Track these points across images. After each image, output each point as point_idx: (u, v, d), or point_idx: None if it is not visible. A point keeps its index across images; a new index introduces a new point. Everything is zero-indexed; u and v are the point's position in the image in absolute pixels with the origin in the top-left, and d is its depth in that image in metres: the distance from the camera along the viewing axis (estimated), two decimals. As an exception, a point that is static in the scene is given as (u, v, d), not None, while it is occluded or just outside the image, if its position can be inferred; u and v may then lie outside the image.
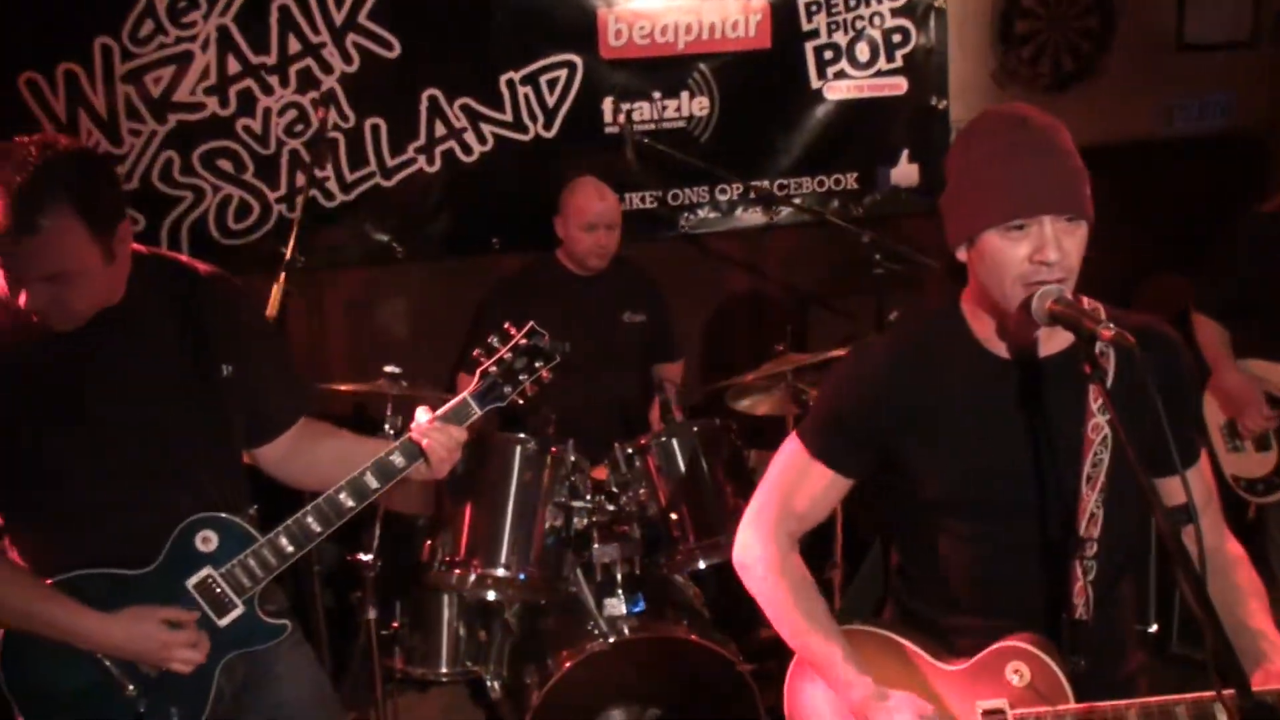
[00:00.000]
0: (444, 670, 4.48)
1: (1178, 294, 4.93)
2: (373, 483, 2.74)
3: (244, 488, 2.90)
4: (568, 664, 3.85)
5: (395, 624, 4.42)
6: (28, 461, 2.58)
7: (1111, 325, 2.03)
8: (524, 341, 2.85)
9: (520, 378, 2.85)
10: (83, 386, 2.60)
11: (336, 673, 4.67)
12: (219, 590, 2.69)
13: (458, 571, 4.02)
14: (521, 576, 3.97)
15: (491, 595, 4.21)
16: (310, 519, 2.72)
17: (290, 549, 2.72)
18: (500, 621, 4.45)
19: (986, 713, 2.40)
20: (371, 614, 4.17)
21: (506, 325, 2.89)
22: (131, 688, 2.65)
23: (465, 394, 2.83)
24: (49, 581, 2.60)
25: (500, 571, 3.94)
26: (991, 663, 2.41)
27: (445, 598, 4.45)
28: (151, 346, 2.69)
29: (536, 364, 2.85)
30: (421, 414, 2.80)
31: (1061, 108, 5.56)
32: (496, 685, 4.30)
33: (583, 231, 4.96)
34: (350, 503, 2.73)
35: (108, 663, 2.64)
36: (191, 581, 2.68)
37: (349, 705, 4.70)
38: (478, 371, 2.84)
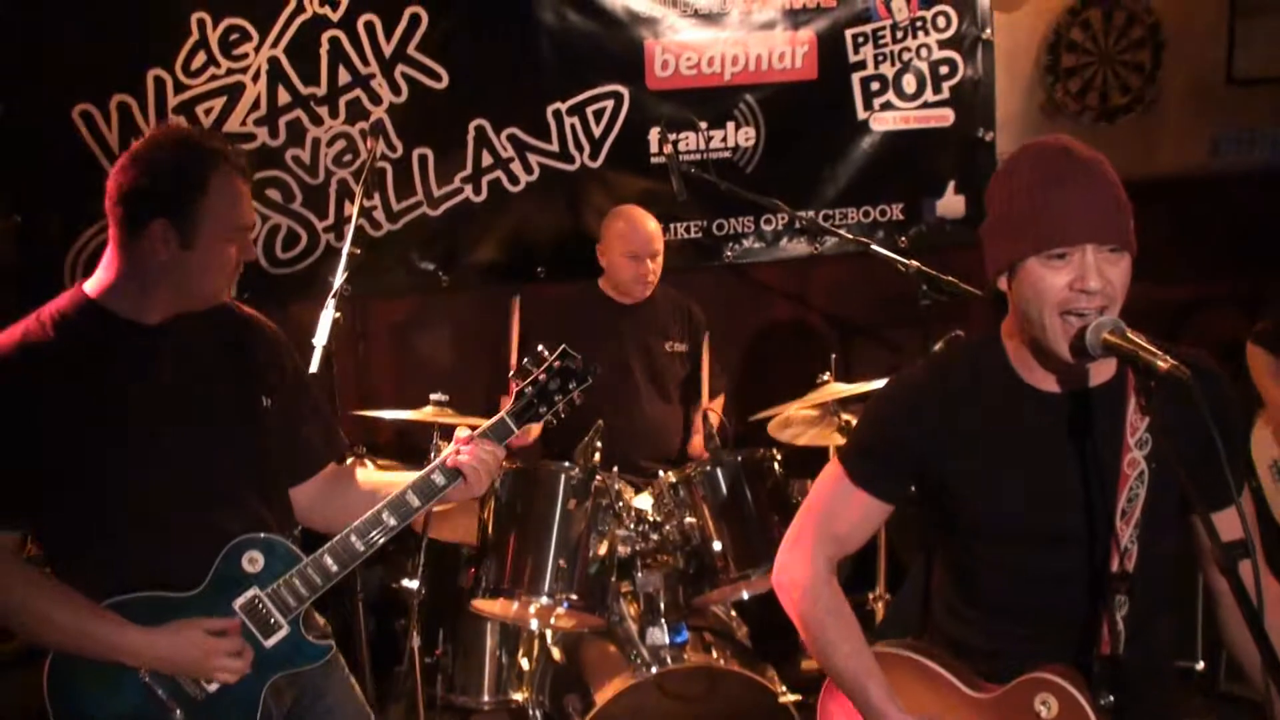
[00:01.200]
0: (486, 699, 4.48)
1: (1226, 327, 4.89)
2: (414, 501, 2.80)
3: (289, 510, 2.95)
4: (610, 694, 3.84)
5: (438, 651, 4.43)
6: (87, 473, 2.61)
7: (1168, 358, 2.03)
8: (557, 363, 2.94)
9: (555, 398, 2.94)
10: (143, 402, 2.65)
11: (380, 700, 4.68)
12: (265, 610, 2.72)
13: (501, 600, 4.02)
14: (565, 605, 3.96)
15: (534, 624, 4.22)
16: (354, 538, 2.77)
17: (335, 568, 2.75)
18: (543, 650, 4.44)
19: None
20: (415, 641, 4.17)
21: (540, 348, 2.97)
22: (179, 712, 2.66)
23: (502, 413, 2.90)
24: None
25: (543, 600, 3.93)
26: (1020, 693, 2.41)
27: (488, 626, 4.45)
28: (200, 370, 2.76)
29: (570, 385, 2.94)
30: (461, 432, 2.86)
31: (1109, 140, 5.57)
32: (538, 714, 4.29)
33: (626, 259, 4.97)
34: (393, 521, 2.78)
35: (153, 686, 2.64)
36: (238, 603, 2.71)
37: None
38: (513, 392, 2.93)
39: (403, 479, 2.91)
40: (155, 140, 2.67)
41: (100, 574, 2.63)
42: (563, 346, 2.97)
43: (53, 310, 2.67)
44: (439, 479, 2.82)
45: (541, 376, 2.93)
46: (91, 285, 2.71)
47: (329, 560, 2.75)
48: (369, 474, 3.11)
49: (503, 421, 2.89)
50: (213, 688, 2.68)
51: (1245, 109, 6.18)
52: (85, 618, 2.59)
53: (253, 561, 2.72)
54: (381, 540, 2.80)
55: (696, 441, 5.06)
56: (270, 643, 2.73)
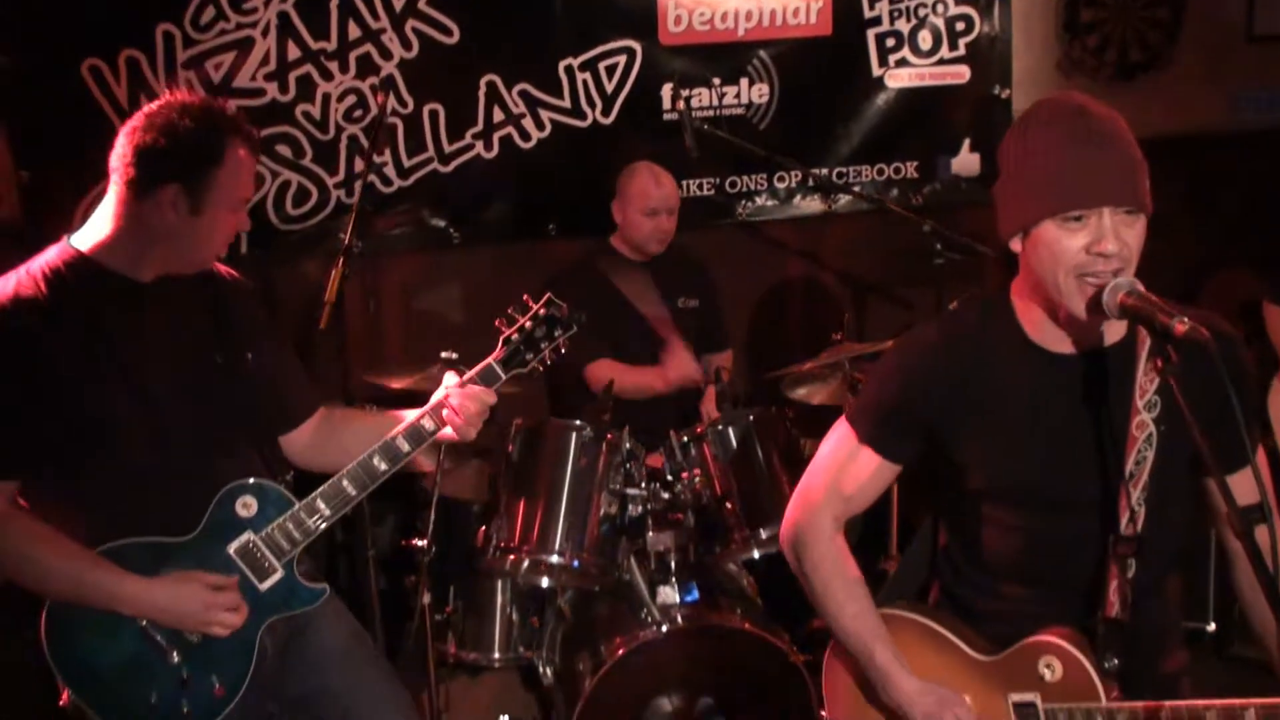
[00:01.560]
0: (496, 656, 4.49)
1: (1243, 287, 4.85)
2: (404, 446, 2.88)
3: (279, 457, 3.04)
4: (620, 651, 3.84)
5: (449, 609, 4.43)
6: (87, 421, 2.64)
7: (1185, 319, 2.00)
8: (543, 311, 3.00)
9: (541, 345, 3.00)
10: (138, 355, 2.70)
11: (390, 656, 4.69)
12: (259, 554, 2.79)
13: (511, 557, 4.02)
14: (575, 563, 3.96)
15: (545, 582, 4.22)
16: (345, 483, 2.84)
17: (327, 511, 2.83)
18: (553, 608, 4.45)
19: (1017, 705, 2.40)
20: (425, 599, 4.18)
21: (525, 296, 3.03)
22: (175, 655, 2.71)
23: (490, 360, 2.97)
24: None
25: (554, 558, 3.94)
26: (1025, 656, 2.41)
27: (499, 583, 4.45)
28: (188, 325, 2.83)
29: (556, 332, 3.00)
30: (450, 378, 2.94)
31: (1127, 98, 5.51)
32: (548, 671, 4.30)
33: (643, 216, 4.95)
34: (383, 465, 2.86)
35: (151, 631, 2.69)
36: (233, 547, 2.77)
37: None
38: (501, 339, 2.99)
39: (388, 419, 2.99)
40: (175, 106, 2.69)
41: (94, 522, 2.68)
42: (548, 294, 3.02)
43: (42, 264, 2.70)
44: (428, 424, 2.90)
45: (528, 324, 2.99)
46: (82, 241, 2.74)
47: (321, 504, 2.82)
48: (364, 415, 3.17)
49: (490, 368, 2.96)
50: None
51: (1265, 67, 6.12)
52: (84, 567, 2.64)
53: (246, 506, 2.79)
54: (373, 486, 2.86)
55: (709, 400, 5.03)
56: (265, 586, 2.79)
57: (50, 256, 2.72)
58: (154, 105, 2.70)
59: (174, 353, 2.77)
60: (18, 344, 2.60)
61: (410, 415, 2.94)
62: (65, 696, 2.70)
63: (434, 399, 2.93)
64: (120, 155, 2.69)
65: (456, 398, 2.89)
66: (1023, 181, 2.27)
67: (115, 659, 2.68)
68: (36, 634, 2.68)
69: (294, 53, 5.17)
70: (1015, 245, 2.33)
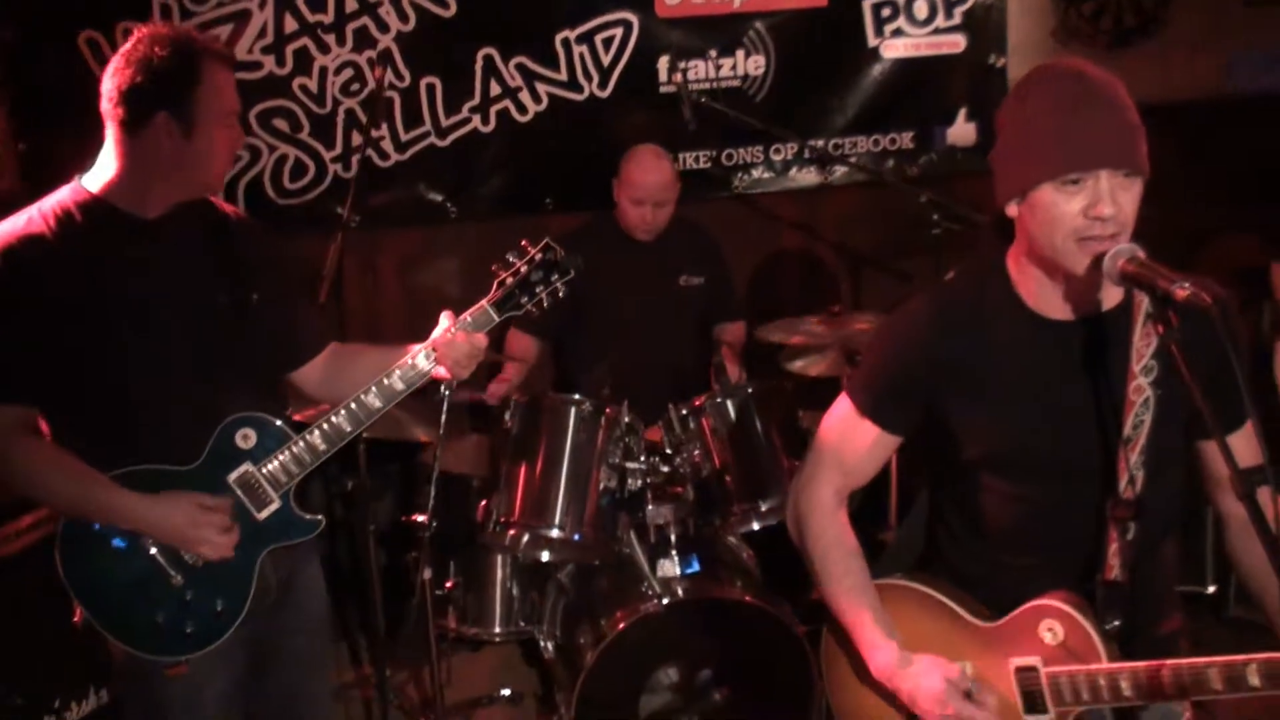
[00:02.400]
0: (497, 630, 4.50)
1: (1241, 252, 4.85)
2: (399, 385, 2.94)
3: (282, 394, 3.13)
4: (621, 625, 3.86)
5: (449, 584, 4.44)
6: (95, 355, 2.74)
7: (1186, 284, 2.00)
8: (539, 255, 3.04)
9: (536, 289, 3.04)
10: (146, 290, 2.80)
11: (391, 632, 4.71)
12: (257, 485, 2.88)
13: (512, 532, 4.03)
14: (575, 537, 3.97)
15: (545, 556, 4.23)
16: (342, 418, 2.91)
17: (323, 446, 2.91)
18: (554, 582, 4.47)
19: (1019, 670, 2.41)
20: (426, 574, 4.18)
21: (523, 242, 3.07)
22: (178, 577, 2.81)
23: (484, 302, 3.00)
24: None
25: (554, 532, 3.94)
26: (1025, 620, 2.42)
27: (499, 558, 4.46)
28: (195, 262, 2.91)
29: (553, 276, 3.05)
30: (444, 319, 3.00)
31: (1123, 65, 5.47)
32: (549, 646, 4.32)
33: (630, 204, 4.93)
34: (378, 403, 2.92)
35: (158, 555, 2.80)
36: (232, 476, 2.86)
37: (402, 664, 4.75)
38: (495, 282, 3.02)
39: (393, 352, 3.03)
40: (145, 39, 2.77)
41: (101, 450, 2.77)
42: (546, 239, 3.07)
43: (53, 203, 2.79)
44: (423, 363, 2.94)
45: (523, 268, 3.03)
46: (91, 181, 2.83)
47: (318, 438, 2.90)
48: (371, 349, 3.18)
49: (484, 311, 3.00)
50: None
51: (1261, 31, 6.09)
52: (84, 483, 2.74)
53: (246, 438, 2.87)
54: (369, 422, 2.93)
55: (711, 369, 5.02)
56: (263, 515, 2.88)
57: (62, 195, 2.82)
58: (127, 44, 2.79)
59: (179, 288, 2.85)
60: (26, 276, 2.69)
61: (405, 352, 2.99)
62: (78, 614, 2.82)
63: (431, 338, 2.98)
64: (108, 97, 2.78)
65: (455, 341, 2.95)
66: (1020, 146, 2.27)
67: (124, 579, 2.79)
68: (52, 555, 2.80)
69: (291, 25, 5.16)
70: (1012, 210, 2.32)
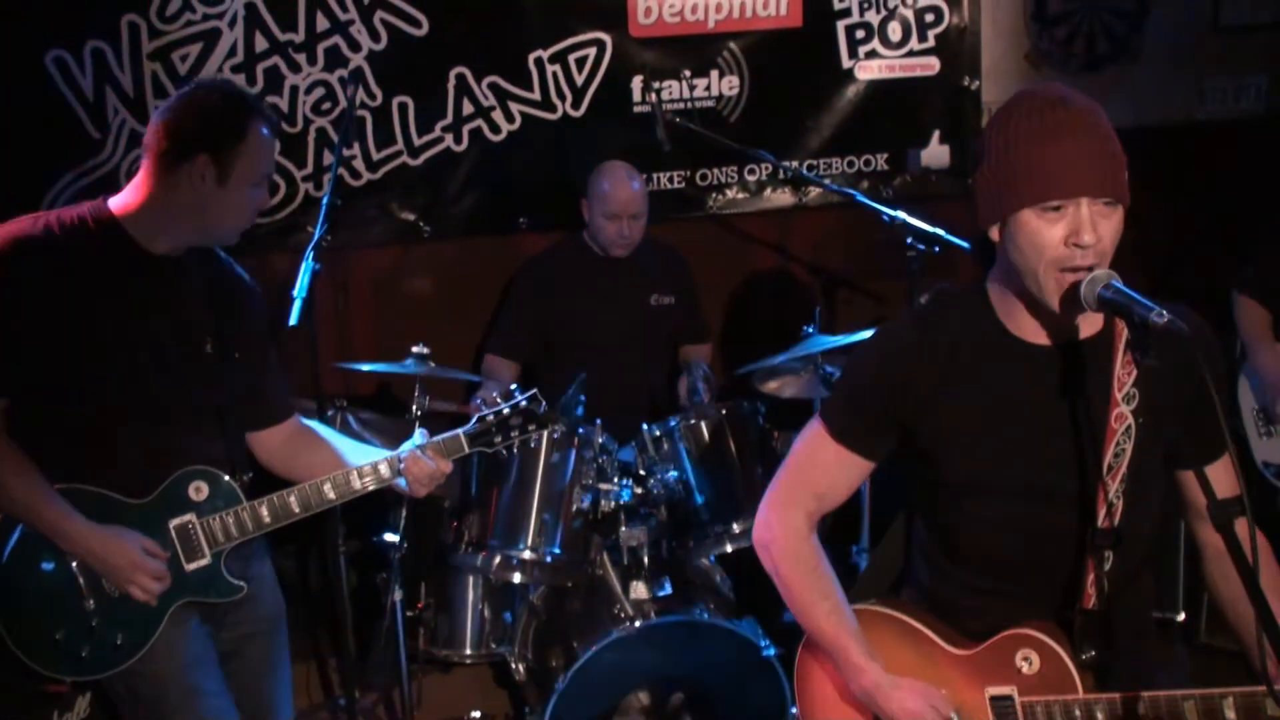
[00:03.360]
0: (468, 652, 4.50)
1: (1211, 277, 4.87)
2: (356, 484, 3.04)
3: (245, 454, 3.17)
4: (593, 647, 3.84)
5: (420, 605, 4.42)
6: (72, 371, 2.81)
7: (1164, 313, 2.00)
8: (524, 404, 3.17)
9: (511, 434, 3.16)
10: (134, 322, 2.87)
11: (361, 653, 4.67)
12: (195, 537, 2.93)
13: (483, 553, 4.02)
14: (547, 559, 3.96)
15: (517, 577, 4.22)
16: (292, 499, 2.99)
17: (267, 520, 2.98)
18: (525, 604, 4.44)
19: (995, 699, 2.40)
20: (397, 595, 4.17)
21: (513, 386, 3.23)
22: (91, 603, 2.85)
23: (459, 431, 3.13)
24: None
25: (526, 554, 3.93)
26: (1002, 649, 2.41)
27: (470, 579, 4.45)
28: (188, 306, 2.99)
29: (529, 428, 3.18)
30: (418, 436, 3.12)
31: (1095, 89, 5.50)
32: (521, 668, 4.30)
33: (605, 219, 4.94)
34: (331, 495, 3.02)
35: (78, 573, 2.84)
36: (174, 523, 2.92)
37: (372, 686, 4.72)
38: (475, 416, 3.16)
39: (357, 447, 3.21)
40: (206, 87, 2.97)
41: (59, 461, 2.83)
42: (534, 390, 3.19)
43: (73, 214, 2.89)
44: (385, 470, 3.06)
45: (506, 410, 3.15)
46: (115, 203, 2.93)
47: (264, 512, 2.97)
48: (338, 440, 3.27)
49: (457, 438, 3.12)
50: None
51: (1232, 57, 6.14)
52: (37, 496, 2.79)
53: (198, 490, 2.95)
54: (317, 510, 3.02)
55: (682, 391, 5.02)
56: (190, 568, 2.93)
57: (84, 209, 2.92)
58: (187, 89, 2.96)
59: (168, 328, 2.93)
60: (23, 275, 2.76)
61: (375, 455, 3.10)
62: None
63: (399, 450, 3.08)
64: (154, 130, 2.88)
65: (420, 462, 3.05)
66: (1002, 171, 2.26)
67: (38, 586, 2.83)
68: None
69: (261, 44, 5.13)
70: (993, 234, 2.32)
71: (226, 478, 2.98)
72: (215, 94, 2.92)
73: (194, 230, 2.94)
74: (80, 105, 4.97)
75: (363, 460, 3.08)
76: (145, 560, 2.83)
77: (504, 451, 3.18)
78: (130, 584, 2.82)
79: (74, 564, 2.83)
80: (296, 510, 2.98)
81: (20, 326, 2.75)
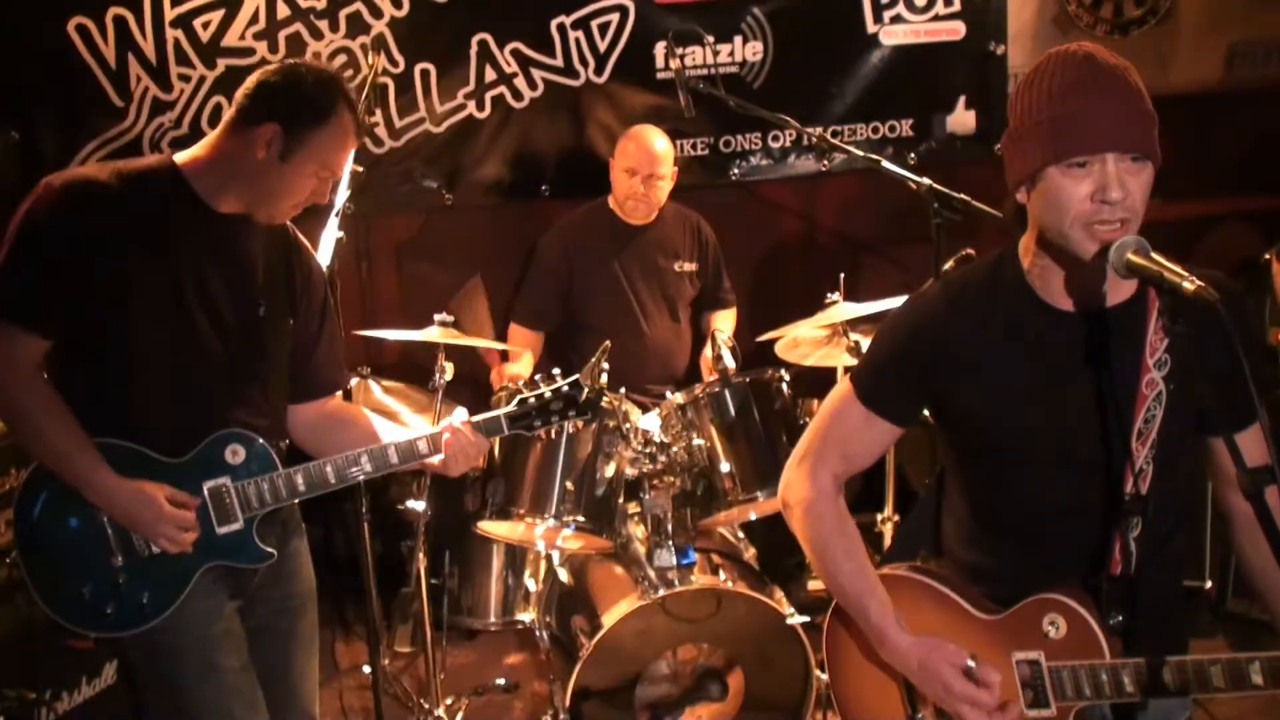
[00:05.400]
0: (492, 620, 4.50)
1: (1241, 243, 4.83)
2: (393, 458, 3.02)
3: (283, 422, 3.12)
4: (617, 615, 3.84)
5: (445, 573, 4.43)
6: (122, 318, 2.76)
7: (1194, 279, 1.97)
8: (566, 389, 3.15)
9: (552, 419, 3.14)
10: (193, 275, 2.83)
11: (386, 621, 4.69)
12: (228, 501, 2.90)
13: (508, 521, 4.01)
14: (571, 527, 3.95)
15: (541, 545, 4.21)
16: (328, 469, 2.97)
17: (302, 488, 2.96)
18: (549, 572, 4.45)
19: (1021, 663, 2.39)
20: (421, 563, 4.17)
21: (555, 370, 3.20)
22: (119, 559, 2.84)
23: (499, 412, 3.11)
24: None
25: (550, 522, 3.92)
26: (1029, 614, 2.40)
27: (495, 547, 4.46)
28: (247, 269, 2.94)
29: (570, 412, 3.15)
30: (459, 414, 3.07)
31: (1124, 53, 5.44)
32: (545, 636, 4.30)
33: (623, 174, 4.92)
34: (369, 467, 3.00)
35: (108, 528, 2.82)
36: (208, 485, 2.89)
37: (397, 654, 4.74)
38: (518, 398, 3.13)
39: (393, 429, 3.16)
40: (310, 65, 2.88)
41: (98, 413, 2.80)
42: (576, 376, 3.17)
43: (139, 165, 2.84)
44: (422, 446, 3.02)
45: (548, 394, 3.13)
46: (182, 157, 2.86)
47: (299, 479, 2.95)
48: (370, 420, 3.22)
49: (497, 420, 3.10)
50: (156, 549, 2.84)
51: (1262, 21, 6.06)
52: (72, 445, 2.76)
53: (235, 454, 2.91)
54: (351, 482, 3.00)
55: (707, 359, 5.01)
56: (221, 531, 2.90)
57: (150, 160, 2.86)
58: (291, 61, 2.89)
59: (225, 287, 2.88)
60: (82, 216, 2.72)
61: (411, 432, 3.07)
62: (8, 563, 2.94)
63: (438, 427, 3.05)
64: (245, 88, 2.83)
65: (459, 439, 3.01)
66: (1028, 130, 2.23)
67: (67, 539, 2.83)
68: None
69: (283, 11, 5.13)
70: (1022, 196, 2.29)
71: (264, 443, 2.93)
72: (313, 72, 2.85)
73: (247, 198, 2.87)
74: (103, 73, 4.98)
75: (398, 438, 3.05)
76: (173, 511, 2.80)
77: (541, 435, 3.22)
78: (158, 535, 2.80)
79: (104, 520, 2.81)
80: (332, 480, 2.96)
81: (73, 270, 2.70)
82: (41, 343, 2.75)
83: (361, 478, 3.00)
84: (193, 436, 2.87)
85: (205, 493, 2.87)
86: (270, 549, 2.97)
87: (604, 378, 4.05)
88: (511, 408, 3.11)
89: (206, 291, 2.84)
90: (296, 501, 3.03)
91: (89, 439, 2.77)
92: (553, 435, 3.25)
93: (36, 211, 2.71)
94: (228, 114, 2.84)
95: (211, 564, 2.90)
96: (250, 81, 2.82)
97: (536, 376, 3.18)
